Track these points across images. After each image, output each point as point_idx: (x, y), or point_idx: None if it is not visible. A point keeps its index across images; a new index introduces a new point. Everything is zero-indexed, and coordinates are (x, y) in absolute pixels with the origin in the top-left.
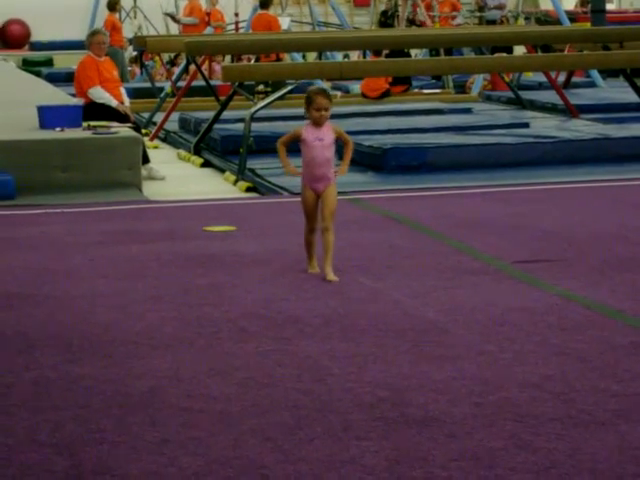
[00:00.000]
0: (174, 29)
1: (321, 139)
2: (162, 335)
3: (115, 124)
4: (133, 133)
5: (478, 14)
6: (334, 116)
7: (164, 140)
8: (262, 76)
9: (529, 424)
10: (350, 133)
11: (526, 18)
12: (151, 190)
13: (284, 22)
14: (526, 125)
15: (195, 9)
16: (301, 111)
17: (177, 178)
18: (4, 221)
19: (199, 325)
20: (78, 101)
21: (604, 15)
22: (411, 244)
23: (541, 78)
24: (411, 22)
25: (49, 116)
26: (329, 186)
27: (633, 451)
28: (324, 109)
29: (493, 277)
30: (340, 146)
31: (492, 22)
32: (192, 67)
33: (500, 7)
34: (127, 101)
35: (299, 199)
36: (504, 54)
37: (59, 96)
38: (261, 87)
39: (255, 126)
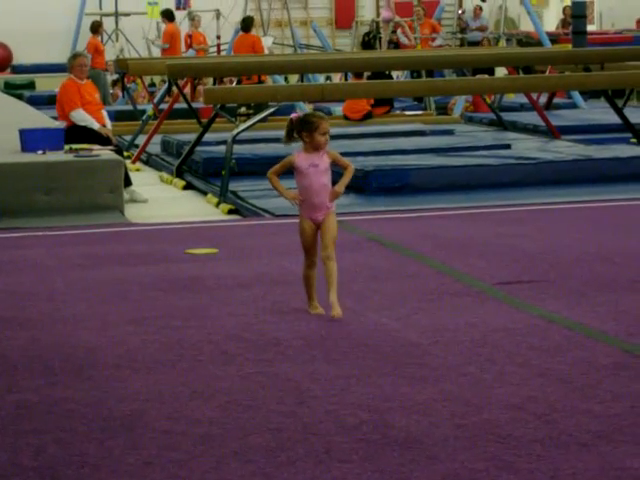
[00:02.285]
0: (156, 52)
1: (316, 165)
2: (144, 358)
3: (97, 147)
4: (115, 156)
5: (459, 36)
6: None
7: (146, 163)
8: (244, 98)
9: (510, 445)
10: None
11: (507, 40)
12: (133, 213)
13: (266, 41)
14: (508, 146)
15: (165, 34)
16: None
17: (159, 201)
18: None
19: (181, 348)
20: (60, 124)
21: (585, 36)
22: (393, 266)
23: (523, 99)
24: (394, 44)
25: (31, 139)
26: (328, 214)
27: (614, 472)
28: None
29: (475, 298)
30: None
31: (474, 43)
32: (174, 89)
33: (481, 29)
34: (109, 124)
35: (281, 221)
36: (485, 76)
37: (41, 119)
38: (243, 109)
39: (237, 148)
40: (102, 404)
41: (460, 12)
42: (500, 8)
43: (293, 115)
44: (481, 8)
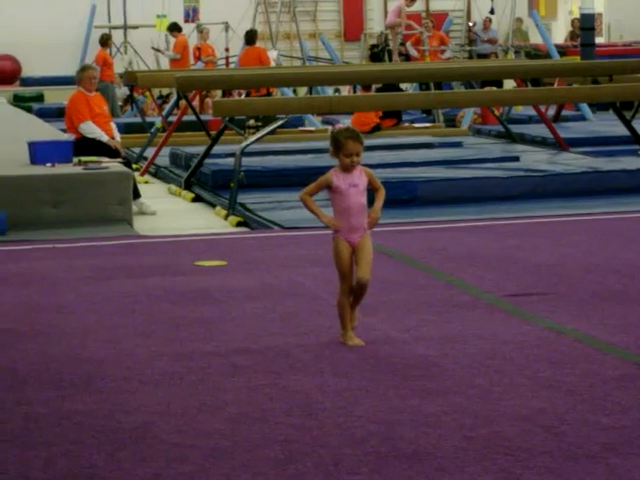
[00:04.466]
0: (165, 64)
1: (355, 185)
2: (153, 370)
3: (106, 159)
4: (124, 168)
5: (468, 48)
6: (325, 150)
7: (155, 175)
8: (253, 111)
9: (519, 458)
10: None
11: (516, 52)
12: (142, 225)
13: (272, 54)
14: (516, 159)
15: (178, 45)
16: (292, 145)
17: (168, 213)
18: None
19: (190, 360)
20: (69, 136)
21: (593, 49)
22: (402, 278)
23: (531, 112)
24: (404, 57)
25: (40, 152)
26: (365, 237)
27: None
28: (356, 154)
29: (484, 311)
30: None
31: (483, 56)
32: (183, 102)
33: (491, 41)
34: (118, 136)
35: (290, 233)
36: (494, 88)
37: (50, 131)
38: (252, 122)
39: (246, 161)
40: (111, 416)
41: (471, 24)
42: (516, 20)
43: (334, 127)
44: (490, 20)
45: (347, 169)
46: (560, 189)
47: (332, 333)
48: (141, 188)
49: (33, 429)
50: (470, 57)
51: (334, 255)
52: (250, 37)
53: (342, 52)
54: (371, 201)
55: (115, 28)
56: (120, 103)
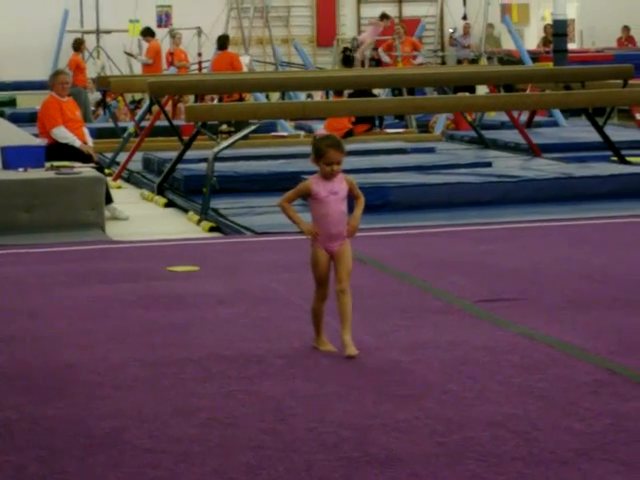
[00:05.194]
0: (137, 69)
1: (335, 192)
2: (125, 375)
3: (78, 164)
4: (96, 173)
5: (440, 54)
6: (297, 155)
7: (127, 180)
8: (225, 116)
9: (491, 463)
10: (314, 173)
11: (489, 58)
12: (114, 230)
13: (244, 59)
14: (489, 164)
15: (150, 49)
16: (265, 151)
17: (140, 218)
18: None
19: (162, 365)
20: (41, 141)
21: (566, 55)
22: (374, 284)
23: (504, 117)
24: (375, 62)
25: (12, 156)
26: (344, 244)
27: None
28: (336, 163)
29: (456, 316)
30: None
31: (472, 61)
32: (155, 107)
33: (472, 47)
34: (90, 141)
35: (262, 239)
36: (467, 94)
37: (22, 136)
38: (224, 127)
39: (218, 166)
40: (83, 422)
41: (451, 30)
42: (488, 26)
43: (316, 133)
44: (470, 26)
45: (327, 177)
46: (532, 195)
47: (305, 339)
48: (114, 193)
49: (4, 435)
50: (443, 63)
51: (312, 263)
52: (222, 42)
53: (315, 57)
54: (350, 209)
55: (88, 33)
56: (93, 108)
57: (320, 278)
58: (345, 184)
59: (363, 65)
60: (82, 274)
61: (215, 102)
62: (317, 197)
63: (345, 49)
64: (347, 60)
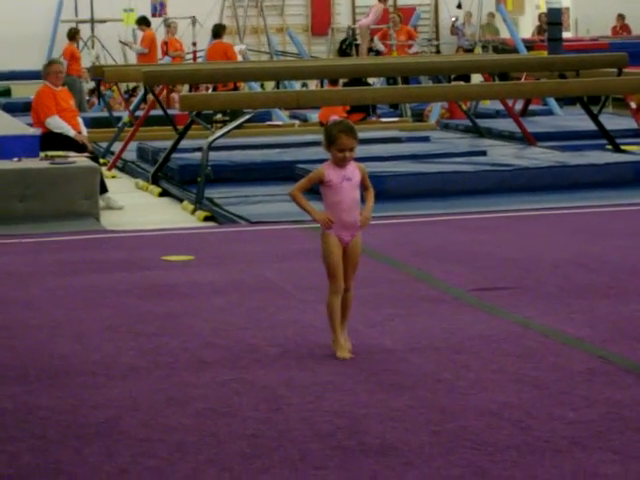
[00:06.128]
0: (132, 58)
1: (349, 179)
2: (119, 365)
3: (73, 154)
4: (91, 163)
5: (435, 42)
6: (292, 144)
7: (122, 170)
8: (220, 105)
9: (486, 452)
10: (309, 162)
11: (484, 47)
12: (109, 220)
13: (239, 49)
14: (483, 153)
15: (145, 39)
16: (260, 140)
17: (135, 208)
18: None
19: (156, 355)
20: (35, 131)
21: (561, 43)
22: (369, 272)
23: (498, 106)
24: (374, 52)
25: (6, 146)
26: (356, 237)
27: (589, 478)
28: (349, 149)
29: (451, 305)
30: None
31: (469, 50)
32: (150, 96)
33: (472, 35)
34: (84, 131)
35: (257, 228)
36: (461, 82)
37: (16, 126)
38: (219, 116)
39: (213, 155)
40: (77, 411)
41: (454, 19)
42: (488, 15)
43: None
44: (471, 14)
45: (339, 164)
46: (527, 183)
47: (299, 328)
48: (108, 183)
49: None
50: (438, 51)
51: (324, 254)
52: (217, 31)
53: (309, 46)
54: (361, 201)
55: (82, 22)
56: (87, 97)
57: (334, 268)
58: (358, 172)
59: (371, 50)
60: (76, 264)
61: (210, 91)
62: (330, 184)
63: (342, 42)
64: (343, 54)
